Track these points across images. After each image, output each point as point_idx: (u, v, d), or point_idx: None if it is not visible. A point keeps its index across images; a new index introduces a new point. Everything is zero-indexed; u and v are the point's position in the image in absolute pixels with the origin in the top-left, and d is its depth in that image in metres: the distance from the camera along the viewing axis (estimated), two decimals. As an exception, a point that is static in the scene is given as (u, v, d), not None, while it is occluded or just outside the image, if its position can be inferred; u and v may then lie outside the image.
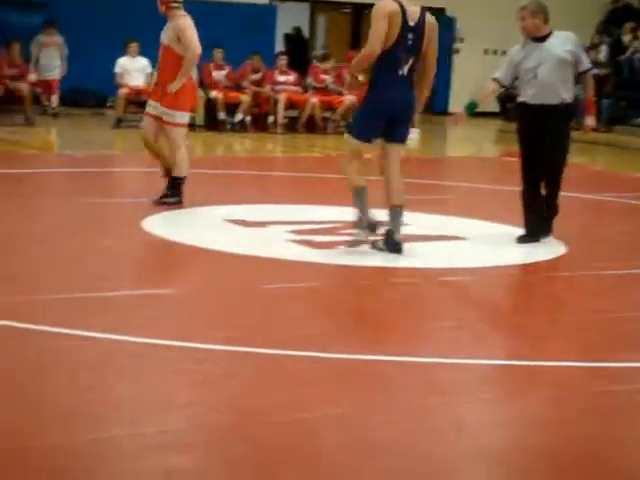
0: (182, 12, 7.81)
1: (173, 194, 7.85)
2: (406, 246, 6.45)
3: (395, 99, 6.28)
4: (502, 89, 7.25)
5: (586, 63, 7.06)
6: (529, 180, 7.05)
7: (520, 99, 7.12)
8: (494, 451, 3.46)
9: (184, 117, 7.90)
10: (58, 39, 15.09)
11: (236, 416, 3.65)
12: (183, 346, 4.38)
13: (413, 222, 7.53)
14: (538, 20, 6.90)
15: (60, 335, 4.41)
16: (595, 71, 17.56)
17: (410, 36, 6.20)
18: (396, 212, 6.38)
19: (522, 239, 7.20)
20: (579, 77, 7.08)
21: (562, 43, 6.96)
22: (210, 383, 3.98)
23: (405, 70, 6.30)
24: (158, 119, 7.83)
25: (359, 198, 6.43)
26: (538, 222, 7.11)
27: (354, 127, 6.56)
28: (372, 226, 6.47)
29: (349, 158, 6.51)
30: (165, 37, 7.78)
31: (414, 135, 15.31)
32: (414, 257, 6.47)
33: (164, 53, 7.78)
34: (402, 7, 6.17)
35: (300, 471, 3.20)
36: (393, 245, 6.34)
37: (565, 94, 6.94)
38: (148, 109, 7.97)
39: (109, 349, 4.31)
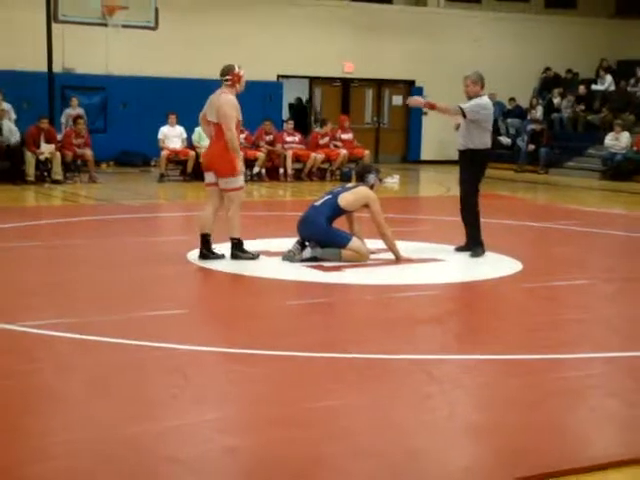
0: None
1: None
2: (397, 267, 6.43)
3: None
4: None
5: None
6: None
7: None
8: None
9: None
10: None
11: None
12: (228, 352, 4.37)
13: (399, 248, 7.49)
14: (478, 87, 7.17)
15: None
16: (533, 126, 17.74)
17: None
18: None
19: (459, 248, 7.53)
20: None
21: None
22: (255, 381, 3.93)
23: None
24: None
25: None
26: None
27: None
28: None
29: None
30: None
31: (395, 180, 15.35)
32: (407, 275, 6.51)
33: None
34: None
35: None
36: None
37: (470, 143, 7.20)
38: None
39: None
